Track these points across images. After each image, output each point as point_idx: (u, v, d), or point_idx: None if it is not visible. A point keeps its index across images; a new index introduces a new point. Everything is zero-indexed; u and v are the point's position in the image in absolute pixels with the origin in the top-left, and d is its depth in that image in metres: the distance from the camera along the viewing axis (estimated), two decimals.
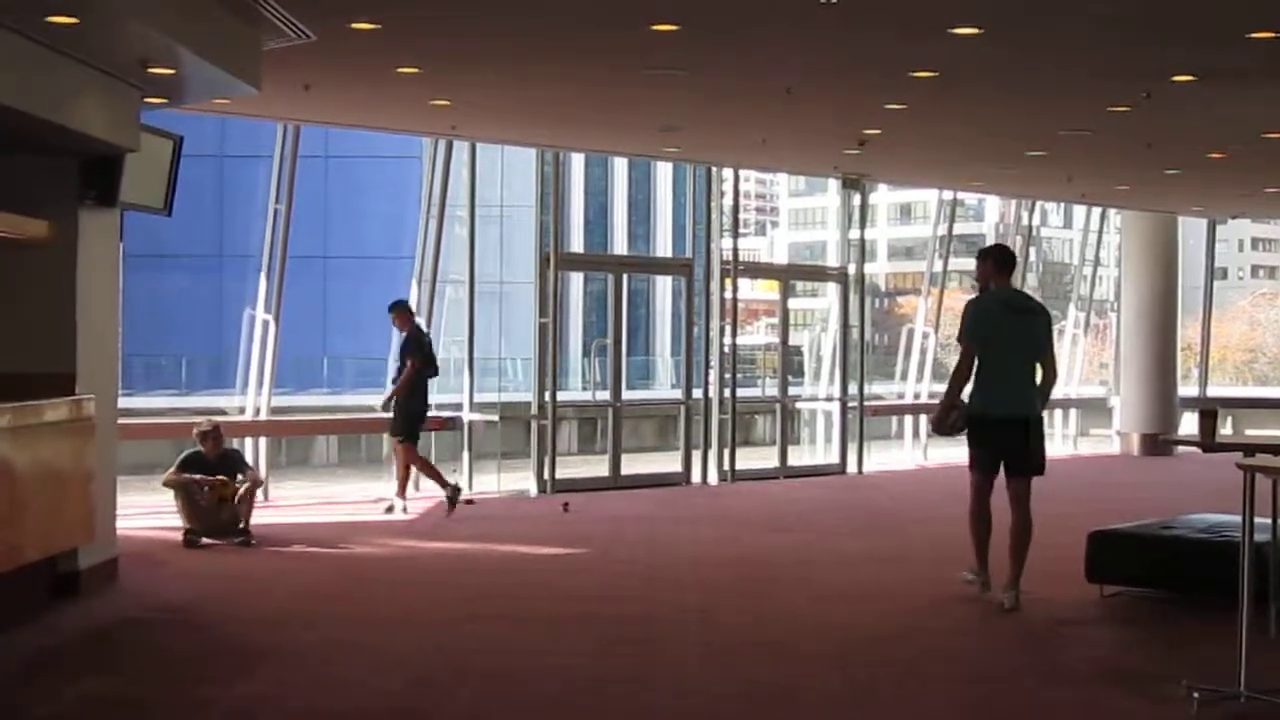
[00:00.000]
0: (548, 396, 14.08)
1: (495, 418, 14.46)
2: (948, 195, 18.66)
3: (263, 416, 12.88)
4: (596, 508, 12.71)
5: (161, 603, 8.16)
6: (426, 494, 12.51)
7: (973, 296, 8.44)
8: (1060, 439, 19.75)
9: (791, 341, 17.81)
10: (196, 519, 10.13)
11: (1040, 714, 6.01)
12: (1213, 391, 21.18)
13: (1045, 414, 8.39)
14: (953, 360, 8.34)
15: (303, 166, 13.00)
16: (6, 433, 6.86)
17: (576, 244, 30.83)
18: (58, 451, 7.56)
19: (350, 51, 8.85)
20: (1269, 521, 6.66)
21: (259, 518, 10.56)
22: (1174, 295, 19.81)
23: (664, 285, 28.45)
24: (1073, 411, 20.25)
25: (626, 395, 15.59)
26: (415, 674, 6.45)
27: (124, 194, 8.44)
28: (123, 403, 9.84)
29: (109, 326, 8.70)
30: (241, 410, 13.00)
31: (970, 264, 8.71)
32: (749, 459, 16.24)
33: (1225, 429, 17.55)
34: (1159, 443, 18.44)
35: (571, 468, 15.93)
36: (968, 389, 8.07)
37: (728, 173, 16.27)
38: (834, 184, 17.52)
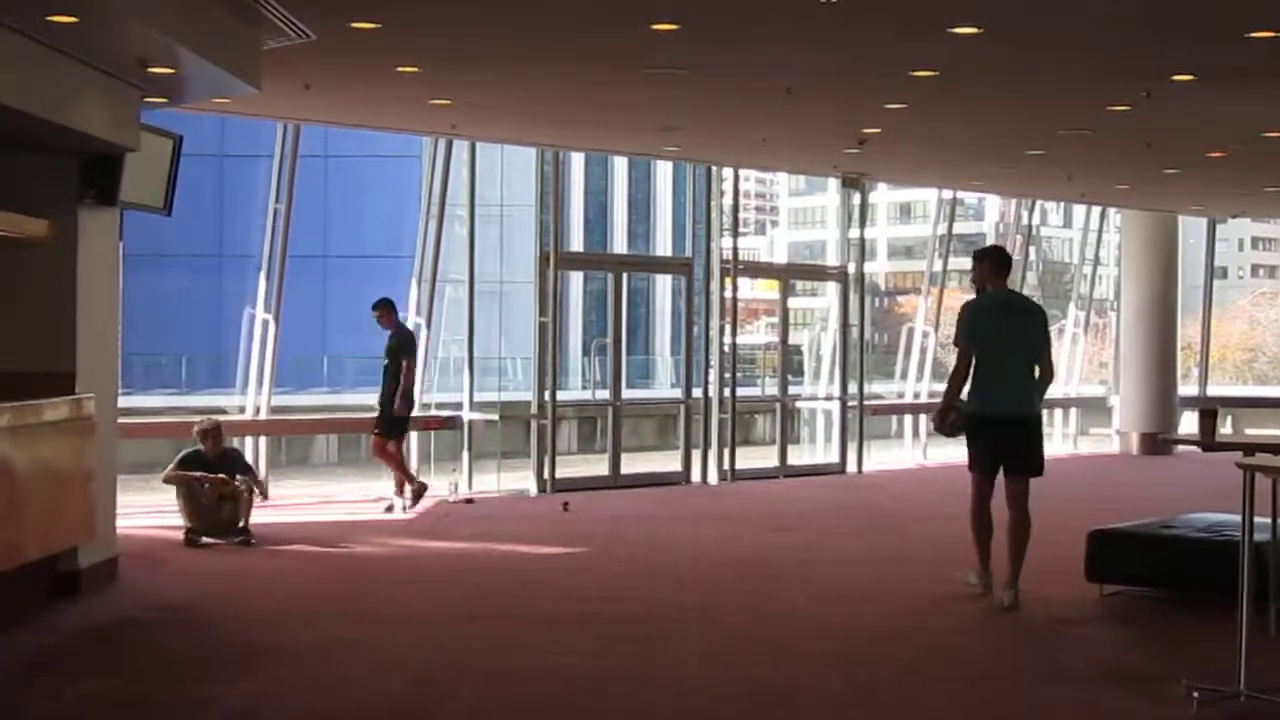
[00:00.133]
0: (547, 396, 14.08)
1: (495, 417, 14.46)
2: (947, 194, 18.65)
3: (263, 416, 12.89)
4: (596, 507, 12.70)
5: (162, 602, 8.16)
6: (428, 494, 12.47)
7: (970, 298, 8.49)
8: (1060, 438, 19.73)
9: (791, 341, 17.78)
10: (197, 517, 10.13)
11: (1040, 713, 6.02)
12: (1212, 391, 21.18)
13: (1045, 413, 8.40)
14: (952, 360, 8.37)
15: (302, 166, 13.00)
16: (6, 432, 6.85)
17: (576, 243, 30.85)
18: (58, 451, 7.55)
19: (350, 51, 8.85)
20: (1269, 521, 6.67)
21: (259, 517, 10.56)
22: (1174, 294, 19.79)
23: (664, 284, 28.45)
24: (1072, 410, 20.24)
25: (626, 394, 15.59)
26: (415, 673, 6.45)
27: (124, 193, 8.44)
28: (123, 402, 9.85)
29: (109, 326, 8.70)
30: (241, 409, 13.01)
31: (970, 263, 8.71)
32: (749, 458, 16.22)
33: (1225, 428, 17.58)
34: (1159, 442, 18.41)
35: (571, 467, 15.92)
36: (967, 389, 8.09)
37: (728, 172, 16.25)
38: (834, 183, 17.54)
